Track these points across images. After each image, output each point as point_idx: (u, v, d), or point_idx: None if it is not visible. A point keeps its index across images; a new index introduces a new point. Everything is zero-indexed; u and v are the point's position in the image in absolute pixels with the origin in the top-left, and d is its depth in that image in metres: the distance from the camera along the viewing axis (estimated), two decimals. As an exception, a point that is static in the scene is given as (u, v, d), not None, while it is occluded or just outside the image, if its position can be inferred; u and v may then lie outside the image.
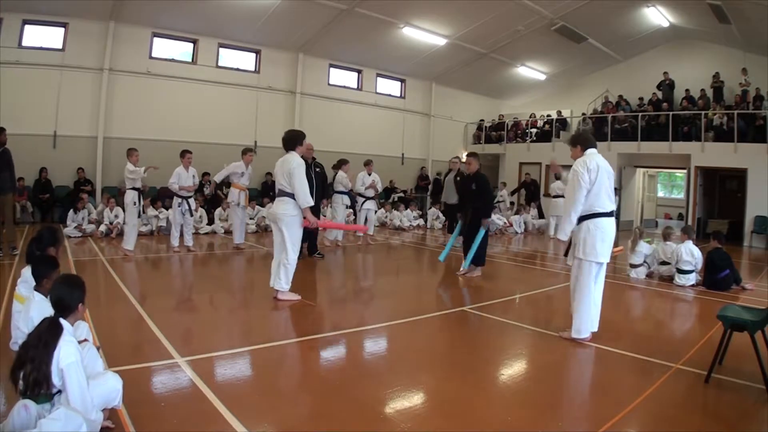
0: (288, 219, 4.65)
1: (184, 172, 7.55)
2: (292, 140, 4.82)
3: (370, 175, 9.41)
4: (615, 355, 3.67)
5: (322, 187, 7.70)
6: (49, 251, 3.21)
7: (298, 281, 6.25)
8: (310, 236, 7.63)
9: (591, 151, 3.87)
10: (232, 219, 8.40)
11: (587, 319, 3.79)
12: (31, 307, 2.61)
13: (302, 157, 7.48)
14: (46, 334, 2.05)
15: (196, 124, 11.94)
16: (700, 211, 13.23)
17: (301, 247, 7.47)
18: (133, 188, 6.99)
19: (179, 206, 7.56)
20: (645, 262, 6.92)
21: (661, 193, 19.62)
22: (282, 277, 4.72)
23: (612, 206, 3.79)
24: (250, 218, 10.76)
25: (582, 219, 3.76)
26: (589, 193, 3.70)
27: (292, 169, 4.58)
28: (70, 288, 2.26)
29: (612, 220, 3.80)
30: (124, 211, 9.28)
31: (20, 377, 1.98)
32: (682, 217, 14.10)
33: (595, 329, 3.92)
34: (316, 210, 7.63)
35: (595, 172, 3.69)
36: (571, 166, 3.88)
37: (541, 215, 13.57)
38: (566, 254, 4.14)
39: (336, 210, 9.23)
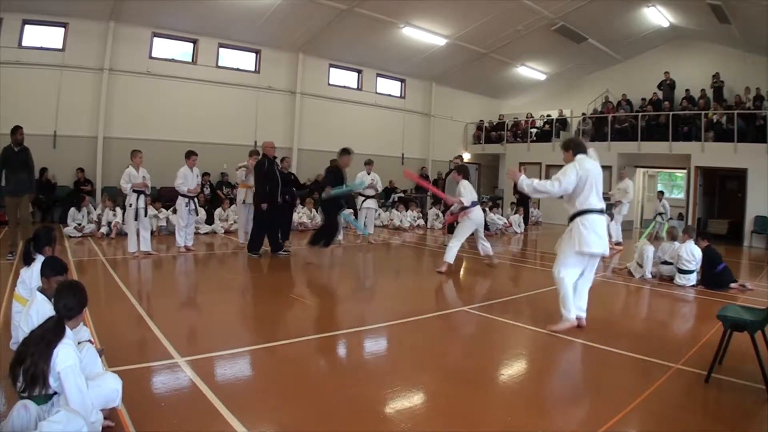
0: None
1: (190, 173, 7.54)
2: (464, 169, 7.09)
3: (369, 174, 9.41)
4: (615, 355, 3.68)
5: (284, 184, 7.66)
6: (46, 251, 3.21)
7: (298, 281, 6.27)
8: (272, 235, 7.55)
9: (581, 156, 4.14)
10: (238, 218, 8.42)
11: (567, 305, 4.11)
12: (32, 307, 2.61)
13: (264, 154, 7.50)
14: (50, 334, 2.07)
15: (196, 124, 11.93)
16: (700, 211, 13.22)
17: (259, 246, 7.44)
18: (134, 190, 6.95)
19: (186, 206, 7.54)
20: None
21: (661, 193, 19.61)
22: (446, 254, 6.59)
23: (601, 204, 4.12)
24: None
25: (575, 216, 4.09)
26: (581, 193, 4.04)
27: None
28: (74, 294, 2.30)
29: (602, 217, 4.15)
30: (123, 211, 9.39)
31: (20, 373, 1.98)
32: (682, 217, 14.07)
33: (583, 314, 4.23)
34: (275, 209, 7.55)
35: (585, 174, 4.01)
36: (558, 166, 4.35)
37: (526, 221, 13.47)
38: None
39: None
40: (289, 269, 6.98)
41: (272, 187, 7.37)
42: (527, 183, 4.14)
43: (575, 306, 4.15)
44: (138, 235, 6.99)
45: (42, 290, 2.70)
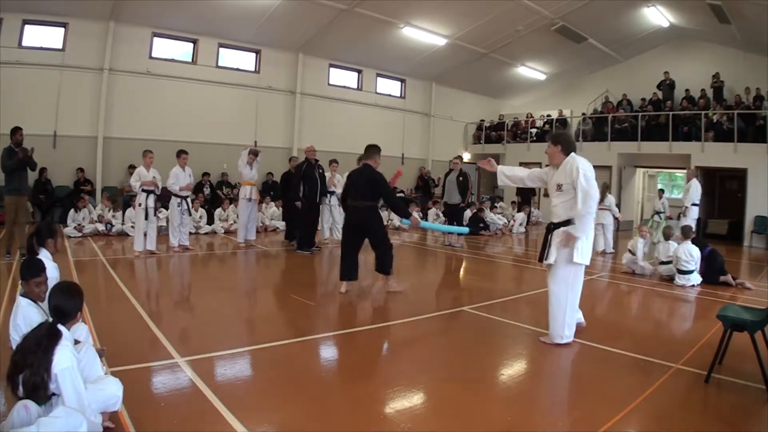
0: None
1: (181, 172, 7.57)
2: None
3: None
4: (615, 355, 3.67)
5: (323, 187, 8.32)
6: (48, 244, 3.24)
7: (297, 280, 6.28)
8: (310, 233, 8.06)
9: (574, 155, 3.68)
10: (240, 217, 8.47)
11: (573, 323, 3.77)
12: (18, 315, 2.54)
13: (306, 158, 7.98)
14: (46, 340, 2.03)
15: (196, 124, 11.93)
16: (700, 211, 13.19)
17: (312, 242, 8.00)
18: (143, 189, 7.00)
19: (179, 206, 7.57)
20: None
21: (661, 193, 19.64)
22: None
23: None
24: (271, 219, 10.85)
25: (569, 221, 3.63)
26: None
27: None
28: (71, 296, 2.27)
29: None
30: (122, 211, 9.43)
31: (19, 382, 1.97)
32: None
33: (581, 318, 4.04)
34: (315, 208, 8.17)
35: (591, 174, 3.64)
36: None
37: (528, 222, 13.45)
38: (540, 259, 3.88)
39: (323, 211, 9.37)
40: (288, 269, 6.98)
41: (312, 189, 8.00)
42: (584, 227, 3.57)
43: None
44: (145, 234, 7.06)
45: (24, 294, 2.61)
